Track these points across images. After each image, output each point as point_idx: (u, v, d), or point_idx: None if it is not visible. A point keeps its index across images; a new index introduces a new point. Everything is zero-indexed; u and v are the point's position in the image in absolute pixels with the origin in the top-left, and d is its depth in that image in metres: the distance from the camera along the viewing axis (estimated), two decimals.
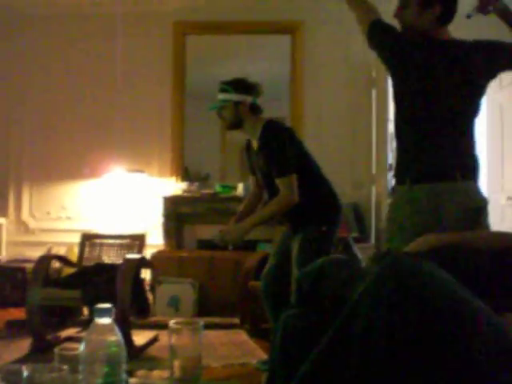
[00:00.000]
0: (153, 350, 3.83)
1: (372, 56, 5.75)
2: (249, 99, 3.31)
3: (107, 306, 1.23)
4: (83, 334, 3.70)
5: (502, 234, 2.18)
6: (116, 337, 1.22)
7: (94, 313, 1.23)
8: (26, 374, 1.20)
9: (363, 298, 1.30)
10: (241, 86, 3.34)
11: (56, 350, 1.41)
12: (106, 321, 1.23)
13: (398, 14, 2.54)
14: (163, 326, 4.24)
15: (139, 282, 3.99)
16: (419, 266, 1.31)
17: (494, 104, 6.06)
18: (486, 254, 1.84)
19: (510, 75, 5.59)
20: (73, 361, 1.32)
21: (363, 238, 5.51)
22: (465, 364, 1.17)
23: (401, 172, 2.41)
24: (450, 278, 1.29)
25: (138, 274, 3.95)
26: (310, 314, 1.55)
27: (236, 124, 3.34)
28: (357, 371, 1.24)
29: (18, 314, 4.74)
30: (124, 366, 1.24)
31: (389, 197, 5.78)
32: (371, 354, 1.23)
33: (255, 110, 3.35)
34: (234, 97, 3.30)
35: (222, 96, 3.34)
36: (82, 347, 1.22)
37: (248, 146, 3.46)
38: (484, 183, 6.28)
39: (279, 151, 3.16)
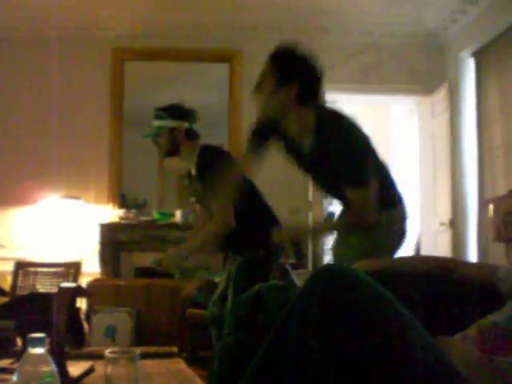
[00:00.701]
0: (88, 381, 3.74)
1: None
2: (184, 125, 3.27)
3: (41, 335, 1.21)
4: (16, 365, 3.58)
5: (428, 258, 2.25)
6: (50, 367, 1.20)
7: (28, 342, 1.20)
8: None
9: (295, 302, 1.32)
10: (176, 111, 3.30)
11: None
12: (39, 350, 1.20)
13: (258, 89, 2.59)
14: (99, 357, 4.14)
15: (74, 311, 3.89)
16: (351, 271, 1.34)
17: (426, 132, 6.25)
18: (415, 278, 1.89)
19: (443, 104, 5.80)
20: None
21: (300, 263, 5.54)
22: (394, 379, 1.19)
23: None
24: (385, 290, 1.32)
25: (73, 303, 3.86)
26: (247, 341, 1.55)
27: (172, 151, 3.29)
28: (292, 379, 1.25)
29: None
30: None
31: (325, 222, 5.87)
32: (305, 362, 1.24)
33: (191, 135, 3.30)
34: (169, 123, 3.25)
35: (157, 123, 3.29)
36: (14, 378, 1.19)
37: (189, 174, 3.42)
38: (417, 209, 6.45)
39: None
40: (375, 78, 6.18)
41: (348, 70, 6.13)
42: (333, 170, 2.52)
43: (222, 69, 6.12)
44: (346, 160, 2.44)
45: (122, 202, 5.84)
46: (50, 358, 1.20)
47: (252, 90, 2.81)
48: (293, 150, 2.75)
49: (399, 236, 2.76)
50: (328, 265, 1.39)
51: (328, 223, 2.98)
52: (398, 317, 1.27)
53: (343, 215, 2.83)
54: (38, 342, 1.20)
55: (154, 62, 6.12)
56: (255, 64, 5.92)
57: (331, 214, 8.35)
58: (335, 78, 5.87)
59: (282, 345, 1.30)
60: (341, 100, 6.60)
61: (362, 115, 8.83)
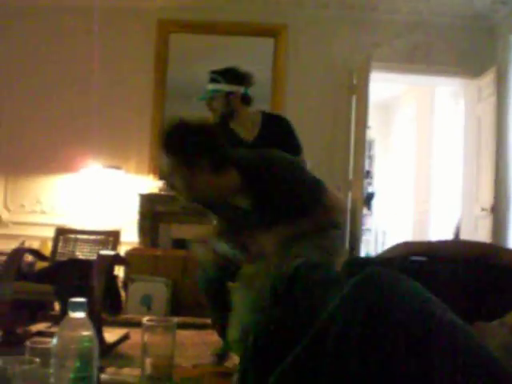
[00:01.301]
0: (123, 348, 3.81)
1: (353, 63, 5.87)
2: (240, 90, 3.20)
3: (81, 300, 1.23)
4: (54, 329, 3.66)
5: (468, 243, 2.22)
6: (89, 332, 1.22)
7: (68, 306, 1.22)
8: None
9: (337, 310, 1.30)
10: (232, 75, 3.22)
11: (27, 343, 1.40)
12: (79, 315, 1.22)
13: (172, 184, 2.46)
14: (135, 324, 4.22)
15: (112, 278, 3.96)
16: (397, 281, 1.32)
17: (472, 116, 6.13)
18: (452, 262, 1.87)
19: (490, 88, 5.69)
20: (44, 354, 1.31)
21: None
22: None
23: None
24: (427, 293, 1.30)
25: (111, 270, 3.93)
26: (284, 316, 1.56)
27: (227, 115, 3.21)
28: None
29: None
30: (96, 362, 1.23)
31: (363, 203, 5.84)
32: (343, 369, 1.23)
33: (246, 100, 3.24)
34: (225, 87, 3.16)
35: (212, 86, 3.19)
36: (54, 341, 1.22)
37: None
38: (459, 194, 6.36)
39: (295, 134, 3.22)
40: (422, 58, 6.08)
41: (394, 49, 6.04)
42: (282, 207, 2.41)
43: (266, 43, 6.08)
44: (293, 192, 2.35)
45: (162, 173, 5.88)
46: (89, 323, 1.22)
47: (171, 190, 2.56)
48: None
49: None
50: (373, 271, 1.35)
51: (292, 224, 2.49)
52: (445, 331, 1.24)
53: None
54: (78, 307, 1.22)
55: (199, 35, 6.10)
56: (300, 39, 6.01)
57: (371, 195, 8.31)
58: (381, 57, 5.81)
59: (320, 349, 1.28)
60: (386, 79, 6.55)
61: (407, 96, 8.75)
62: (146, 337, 1.55)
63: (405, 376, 1.18)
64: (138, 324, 4.34)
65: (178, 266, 4.93)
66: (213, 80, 3.20)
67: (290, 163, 2.43)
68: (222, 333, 3.45)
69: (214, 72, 3.23)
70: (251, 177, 2.32)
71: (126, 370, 3.17)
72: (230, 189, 2.37)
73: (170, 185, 2.44)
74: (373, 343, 1.21)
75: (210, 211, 2.84)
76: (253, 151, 2.55)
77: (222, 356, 3.33)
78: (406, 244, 1.98)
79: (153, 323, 1.55)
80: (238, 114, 3.23)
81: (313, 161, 5.88)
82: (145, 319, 1.55)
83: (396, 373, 1.19)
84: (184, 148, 2.28)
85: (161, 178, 3.16)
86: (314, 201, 2.37)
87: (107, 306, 3.76)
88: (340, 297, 1.35)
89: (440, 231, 7.15)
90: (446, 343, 1.21)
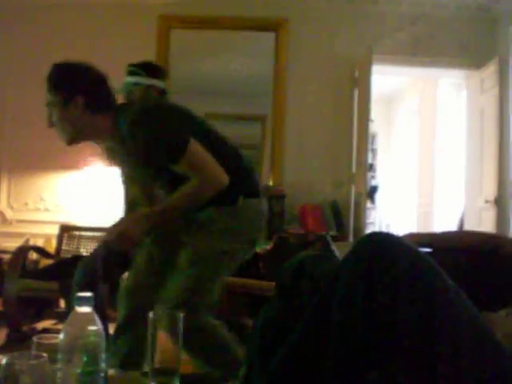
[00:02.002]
0: None
1: (355, 56, 5.86)
2: (160, 83, 3.27)
3: (88, 294, 1.23)
4: (60, 326, 3.68)
5: (471, 234, 2.22)
6: (96, 326, 1.22)
7: (75, 301, 1.22)
8: (4, 361, 1.19)
9: (340, 276, 1.32)
10: (152, 69, 3.30)
11: (34, 338, 1.40)
12: (86, 309, 1.23)
13: (50, 121, 2.46)
14: None
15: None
16: (399, 240, 1.33)
17: (475, 108, 6.12)
18: (455, 252, 1.87)
19: (493, 79, 5.67)
20: (51, 350, 1.31)
21: (341, 236, 5.53)
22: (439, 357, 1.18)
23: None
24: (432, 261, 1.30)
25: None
26: (290, 309, 1.56)
27: None
28: (335, 354, 1.26)
29: None
30: (103, 356, 1.23)
31: (366, 196, 5.83)
32: (350, 332, 1.24)
33: (164, 94, 3.31)
34: (146, 80, 3.23)
35: (131, 79, 3.24)
36: (61, 336, 1.22)
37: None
38: (462, 185, 6.35)
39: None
40: (424, 50, 6.06)
41: (396, 42, 6.02)
42: (144, 159, 2.39)
43: (267, 38, 6.06)
44: (148, 145, 2.29)
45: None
46: (96, 318, 1.23)
47: (47, 126, 2.57)
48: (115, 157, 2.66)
49: (253, 227, 2.55)
50: (374, 232, 1.37)
51: (160, 206, 2.44)
52: (446, 287, 1.25)
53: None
54: (85, 301, 1.23)
55: (200, 30, 6.09)
56: (302, 33, 6.00)
57: (374, 188, 8.30)
58: (383, 50, 5.80)
59: (326, 313, 1.30)
60: (389, 72, 6.54)
61: (409, 88, 8.74)
62: (152, 329, 1.55)
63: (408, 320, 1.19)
64: None
65: None
66: (132, 73, 3.24)
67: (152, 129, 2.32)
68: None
69: (133, 65, 3.26)
70: (118, 121, 2.37)
71: None
72: (101, 130, 2.44)
73: (49, 123, 2.47)
74: (377, 298, 1.22)
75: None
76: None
77: None
78: (411, 235, 1.99)
79: (158, 317, 1.55)
80: None
81: (316, 154, 5.92)
82: (151, 313, 1.54)
83: (400, 331, 1.19)
84: (64, 81, 2.43)
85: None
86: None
87: (112, 301, 3.77)
88: (341, 262, 1.36)
89: (444, 224, 7.14)
90: (450, 303, 1.22)
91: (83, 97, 2.35)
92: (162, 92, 3.30)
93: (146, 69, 3.24)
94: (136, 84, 3.20)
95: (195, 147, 2.27)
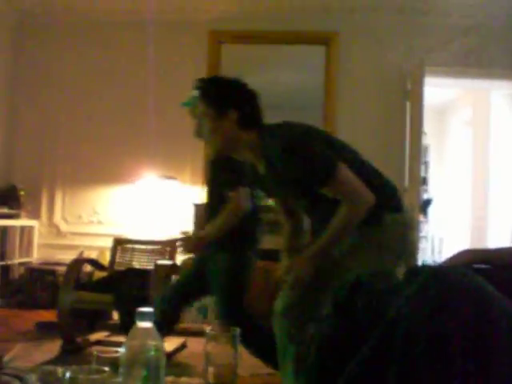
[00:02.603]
0: (181, 356, 3.85)
1: (406, 68, 5.81)
2: None
3: (149, 309, 1.24)
4: (113, 338, 3.71)
5: None
6: (156, 341, 1.23)
7: (136, 316, 1.23)
8: (67, 375, 1.21)
9: (404, 308, 1.29)
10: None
11: (94, 352, 1.42)
12: (147, 324, 1.24)
13: (198, 132, 2.51)
14: (192, 333, 4.27)
15: None
16: (463, 276, 1.30)
17: None
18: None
19: None
20: (110, 363, 1.33)
21: None
22: None
23: None
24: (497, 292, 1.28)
25: (168, 279, 3.98)
26: (345, 326, 1.54)
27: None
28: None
29: (48, 315, 4.80)
30: (163, 371, 1.24)
31: (419, 210, 5.75)
32: (411, 365, 1.22)
33: None
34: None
35: (197, 93, 3.28)
36: (122, 350, 1.23)
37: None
38: None
39: None
40: (476, 61, 5.97)
41: (447, 53, 5.95)
42: (292, 183, 2.37)
43: (318, 51, 6.06)
44: (298, 163, 2.27)
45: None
46: (156, 332, 1.24)
47: (194, 135, 2.67)
48: (259, 179, 2.59)
49: (403, 243, 2.49)
50: (440, 271, 1.33)
51: (318, 243, 2.37)
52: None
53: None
54: (145, 316, 1.24)
55: (250, 45, 6.14)
56: (352, 46, 5.98)
57: (427, 202, 8.17)
58: (434, 62, 5.74)
59: (388, 348, 1.28)
60: (440, 84, 6.46)
61: (462, 100, 8.61)
62: (209, 346, 1.55)
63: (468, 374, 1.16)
64: (194, 333, 4.39)
65: None
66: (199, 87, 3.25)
67: (299, 146, 2.32)
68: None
69: (200, 80, 3.27)
70: (265, 142, 2.37)
71: (183, 379, 3.19)
72: (247, 145, 2.43)
73: (196, 133, 2.55)
74: (441, 339, 1.20)
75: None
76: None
77: None
78: (470, 251, 1.94)
79: (216, 332, 1.56)
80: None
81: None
82: (208, 328, 1.55)
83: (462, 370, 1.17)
84: (219, 92, 2.48)
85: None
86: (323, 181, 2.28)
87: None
88: (405, 295, 1.34)
89: (498, 238, 6.99)
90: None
91: (236, 111, 2.39)
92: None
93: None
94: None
95: (343, 170, 2.29)
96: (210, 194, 3.50)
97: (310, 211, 2.57)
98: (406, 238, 2.49)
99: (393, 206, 2.47)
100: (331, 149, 2.39)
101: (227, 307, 3.23)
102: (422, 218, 7.25)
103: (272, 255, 3.49)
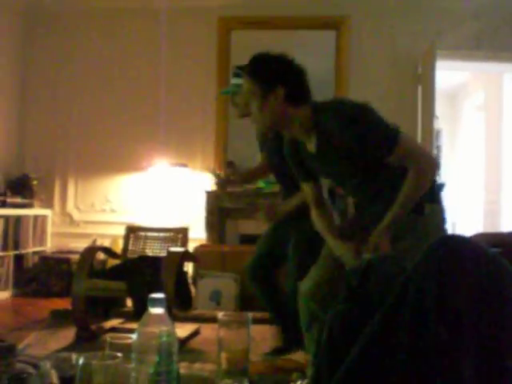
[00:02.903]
0: (194, 343, 3.86)
1: (418, 52, 5.76)
2: None
3: (161, 296, 1.24)
4: (127, 325, 3.73)
5: None
6: (168, 327, 1.23)
7: (148, 302, 1.24)
8: (81, 361, 1.22)
9: (412, 276, 1.30)
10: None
11: (107, 338, 1.43)
12: (159, 311, 1.24)
13: (245, 112, 2.46)
14: (205, 320, 4.28)
15: (182, 274, 4.02)
16: (471, 242, 1.31)
17: None
18: None
19: None
20: (123, 349, 1.34)
21: None
22: None
23: None
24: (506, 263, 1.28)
25: (181, 266, 3.99)
26: (358, 310, 1.55)
27: (249, 112, 3.28)
28: (407, 353, 1.24)
29: (62, 303, 4.83)
30: (175, 357, 1.25)
31: None
32: (421, 333, 1.23)
33: None
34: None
35: (236, 81, 3.21)
36: (134, 336, 1.24)
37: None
38: None
39: None
40: (488, 44, 5.92)
41: (459, 36, 5.90)
42: (348, 156, 2.35)
43: (329, 36, 6.03)
44: (363, 134, 2.27)
45: (228, 169, 5.91)
46: (168, 318, 1.24)
47: (240, 116, 2.71)
48: (308, 156, 2.56)
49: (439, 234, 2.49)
50: (447, 235, 1.34)
51: (392, 212, 2.32)
52: None
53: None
54: (157, 303, 1.24)
55: (260, 31, 6.11)
56: (363, 30, 5.95)
57: (440, 186, 8.11)
58: (445, 45, 5.69)
59: (397, 317, 1.29)
60: (452, 67, 6.41)
61: (474, 83, 8.54)
62: (222, 332, 1.56)
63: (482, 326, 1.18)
64: (207, 319, 4.40)
65: (246, 260, 4.95)
66: (237, 75, 3.23)
67: (364, 115, 2.35)
68: (278, 323, 3.53)
69: (238, 67, 3.24)
70: (321, 114, 2.36)
71: (197, 365, 3.21)
72: (296, 121, 2.41)
73: (240, 111, 2.46)
74: (448, 298, 1.20)
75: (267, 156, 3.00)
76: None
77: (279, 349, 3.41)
78: (482, 235, 1.94)
79: (228, 318, 1.56)
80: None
81: None
82: (220, 314, 1.56)
83: (472, 335, 1.17)
84: (266, 68, 2.41)
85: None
86: (386, 151, 2.27)
87: (178, 301, 3.82)
88: (413, 266, 1.34)
89: (511, 221, 6.95)
90: None
91: (284, 88, 2.36)
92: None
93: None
94: (239, 85, 3.20)
95: (406, 136, 2.30)
96: (282, 175, 3.35)
97: (359, 189, 2.52)
98: (442, 230, 2.46)
99: (432, 197, 2.44)
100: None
101: (303, 272, 3.16)
102: None
103: None
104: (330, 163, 2.45)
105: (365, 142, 2.27)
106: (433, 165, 2.31)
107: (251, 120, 2.53)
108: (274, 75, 2.38)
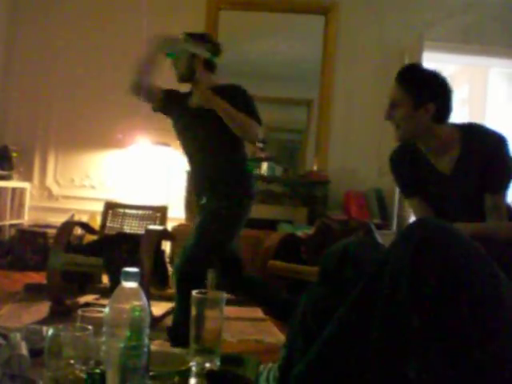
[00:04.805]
0: (169, 321, 3.86)
1: (405, 42, 5.76)
2: (206, 54, 3.24)
3: (134, 269, 1.23)
4: (102, 301, 3.71)
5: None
6: (141, 301, 1.22)
7: (122, 276, 1.23)
8: (50, 332, 1.21)
9: (388, 260, 1.31)
10: (202, 40, 3.27)
11: (79, 311, 1.42)
12: (132, 285, 1.23)
13: (391, 115, 2.44)
14: None
15: (160, 253, 4.01)
16: (445, 224, 1.32)
17: None
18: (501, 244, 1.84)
19: None
20: (95, 323, 1.33)
21: (385, 224, 5.49)
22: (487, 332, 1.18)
23: None
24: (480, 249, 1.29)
25: (158, 245, 3.98)
26: (333, 295, 1.55)
27: (187, 77, 3.29)
28: (380, 331, 1.26)
29: (37, 277, 4.81)
30: (147, 332, 1.24)
31: None
32: (396, 311, 1.24)
33: (209, 66, 3.31)
34: (192, 48, 3.21)
35: (186, 46, 3.27)
36: (106, 310, 1.23)
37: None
38: None
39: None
40: (475, 38, 5.94)
41: (448, 29, 5.92)
42: (478, 180, 2.40)
43: (317, 21, 6.01)
44: (503, 169, 2.38)
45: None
46: (141, 293, 1.23)
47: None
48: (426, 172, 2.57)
49: None
50: (424, 218, 1.36)
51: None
52: (493, 275, 1.24)
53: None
54: (131, 276, 1.23)
55: (249, 12, 6.07)
56: (351, 18, 5.93)
57: None
58: (434, 36, 5.70)
59: (372, 296, 1.30)
60: (439, 59, 6.42)
61: (459, 77, 8.56)
62: (195, 311, 1.56)
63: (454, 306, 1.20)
64: None
65: None
66: (185, 40, 3.24)
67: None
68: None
69: (186, 33, 3.26)
70: (471, 139, 2.43)
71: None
72: (439, 138, 2.44)
73: (388, 115, 2.45)
74: (423, 280, 1.21)
75: None
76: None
77: None
78: (460, 225, 1.95)
79: (202, 297, 1.56)
80: (198, 78, 3.25)
81: (361, 141, 5.87)
82: (194, 292, 1.55)
83: (445, 318, 1.20)
84: (423, 83, 2.42)
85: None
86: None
87: (154, 280, 3.81)
88: (388, 247, 1.36)
89: None
90: (496, 289, 1.22)
91: (435, 105, 2.38)
92: (212, 67, 3.29)
93: (197, 38, 3.23)
94: (182, 51, 3.20)
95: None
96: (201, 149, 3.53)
97: (463, 213, 2.49)
98: None
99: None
100: None
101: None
102: None
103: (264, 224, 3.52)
104: (465, 184, 2.45)
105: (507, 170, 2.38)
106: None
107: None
108: (430, 92, 2.39)
